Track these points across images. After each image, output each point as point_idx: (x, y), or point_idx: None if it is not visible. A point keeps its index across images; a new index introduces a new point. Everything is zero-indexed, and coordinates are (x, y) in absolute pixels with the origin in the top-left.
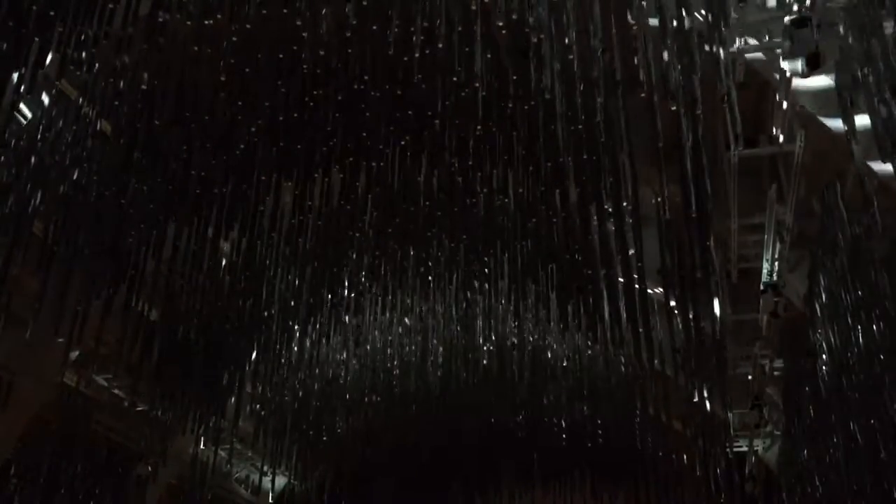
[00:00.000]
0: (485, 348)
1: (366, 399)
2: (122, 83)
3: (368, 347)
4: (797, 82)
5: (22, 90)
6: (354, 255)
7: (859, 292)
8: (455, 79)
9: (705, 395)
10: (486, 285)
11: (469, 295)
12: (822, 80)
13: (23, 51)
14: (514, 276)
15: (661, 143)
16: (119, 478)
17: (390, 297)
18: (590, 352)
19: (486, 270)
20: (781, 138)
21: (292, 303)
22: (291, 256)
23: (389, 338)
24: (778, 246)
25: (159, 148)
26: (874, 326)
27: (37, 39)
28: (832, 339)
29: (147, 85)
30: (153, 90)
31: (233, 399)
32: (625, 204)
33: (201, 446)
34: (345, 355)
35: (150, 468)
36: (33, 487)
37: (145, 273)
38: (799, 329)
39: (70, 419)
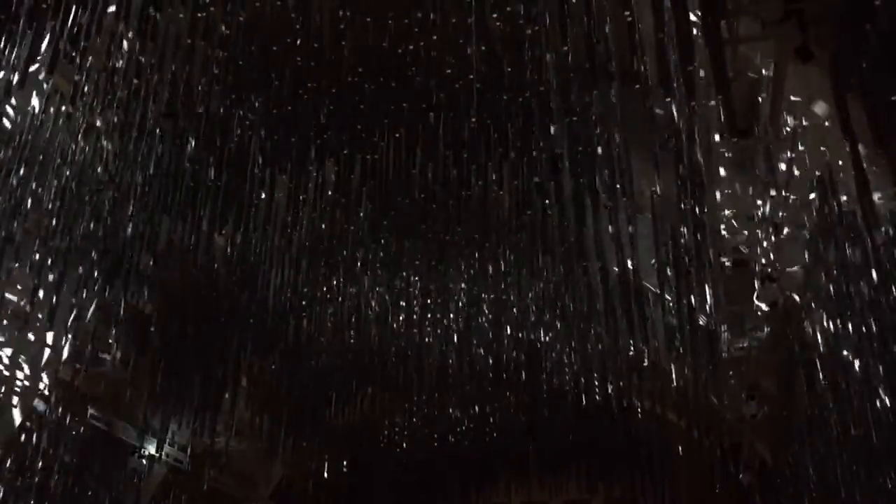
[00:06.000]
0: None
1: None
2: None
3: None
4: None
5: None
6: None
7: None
8: (449, 70)
9: (700, 385)
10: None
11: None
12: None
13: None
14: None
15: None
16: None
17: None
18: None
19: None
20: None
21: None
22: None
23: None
24: (773, 236)
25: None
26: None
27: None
28: (828, 329)
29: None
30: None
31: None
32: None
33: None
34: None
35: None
36: None
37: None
38: (793, 319)
39: None
